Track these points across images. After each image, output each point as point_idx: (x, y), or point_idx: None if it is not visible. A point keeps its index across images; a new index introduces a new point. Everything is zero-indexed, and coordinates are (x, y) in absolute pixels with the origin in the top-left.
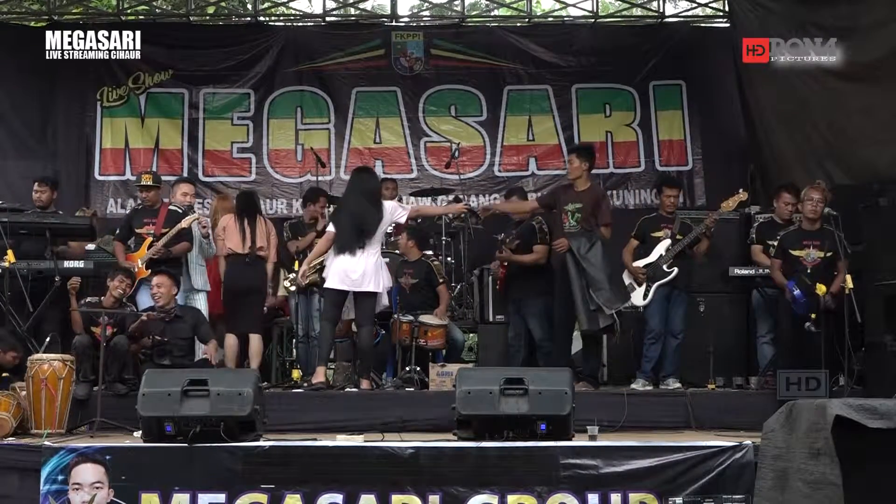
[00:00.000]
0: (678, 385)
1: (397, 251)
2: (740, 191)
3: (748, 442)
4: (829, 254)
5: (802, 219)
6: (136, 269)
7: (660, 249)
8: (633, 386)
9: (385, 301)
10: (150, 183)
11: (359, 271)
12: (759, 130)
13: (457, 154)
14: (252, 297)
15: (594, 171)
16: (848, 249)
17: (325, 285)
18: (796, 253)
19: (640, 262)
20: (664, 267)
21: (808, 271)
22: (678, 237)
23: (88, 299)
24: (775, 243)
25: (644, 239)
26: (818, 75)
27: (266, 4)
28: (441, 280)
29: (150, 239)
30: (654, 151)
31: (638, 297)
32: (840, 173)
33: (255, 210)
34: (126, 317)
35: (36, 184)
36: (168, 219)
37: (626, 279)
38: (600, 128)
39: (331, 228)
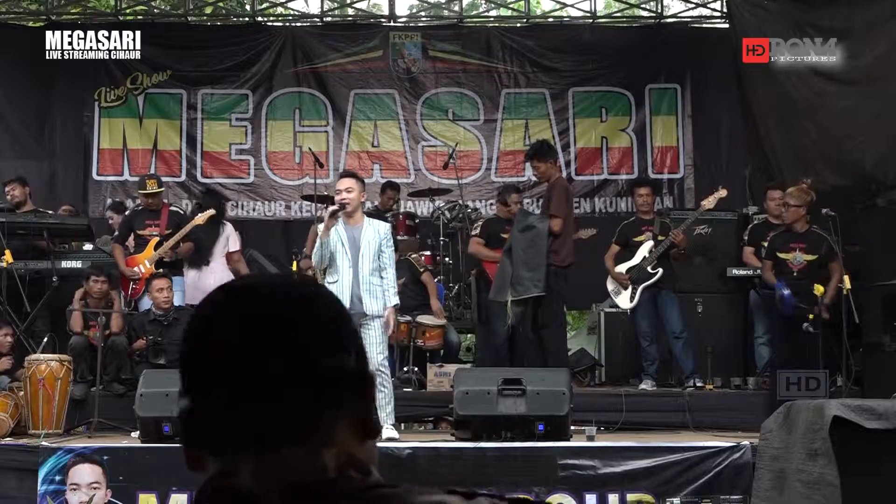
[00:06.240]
0: (701, 384)
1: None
2: (720, 187)
3: (746, 442)
4: (816, 257)
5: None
6: (144, 270)
7: (643, 251)
8: (641, 387)
9: None
10: (155, 189)
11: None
12: (760, 129)
13: (454, 155)
14: None
15: (587, 177)
16: (836, 249)
17: (194, 303)
18: (783, 256)
19: (624, 266)
20: (648, 269)
21: (794, 274)
22: (660, 238)
23: (70, 307)
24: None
25: (626, 244)
26: (806, 77)
27: (264, 5)
28: (422, 270)
29: (155, 239)
30: (648, 158)
31: (625, 301)
32: (830, 174)
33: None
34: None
35: (7, 185)
36: (171, 219)
37: (611, 285)
38: (596, 132)
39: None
